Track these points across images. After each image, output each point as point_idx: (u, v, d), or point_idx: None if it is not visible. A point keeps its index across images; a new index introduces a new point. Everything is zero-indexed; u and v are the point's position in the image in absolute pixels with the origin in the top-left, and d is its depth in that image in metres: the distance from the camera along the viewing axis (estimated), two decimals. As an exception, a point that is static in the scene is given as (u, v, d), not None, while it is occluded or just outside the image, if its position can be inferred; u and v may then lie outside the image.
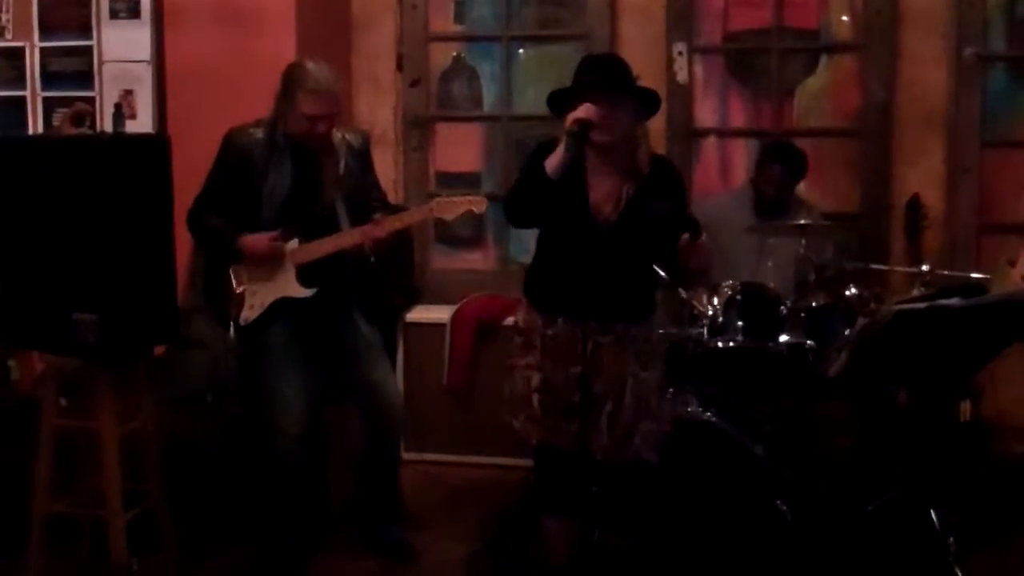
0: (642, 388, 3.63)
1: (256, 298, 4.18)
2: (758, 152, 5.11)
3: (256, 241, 4.11)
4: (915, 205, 4.80)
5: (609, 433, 3.58)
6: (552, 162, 3.40)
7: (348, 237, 4.11)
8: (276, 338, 4.19)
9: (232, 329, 4.23)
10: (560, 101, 3.59)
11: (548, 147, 3.54)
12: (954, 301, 3.47)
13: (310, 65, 4.08)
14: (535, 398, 3.63)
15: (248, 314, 4.19)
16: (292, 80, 4.06)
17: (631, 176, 3.58)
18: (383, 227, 4.09)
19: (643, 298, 3.72)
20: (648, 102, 3.60)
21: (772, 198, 4.94)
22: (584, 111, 3.39)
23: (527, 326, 3.68)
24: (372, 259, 4.13)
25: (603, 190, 3.59)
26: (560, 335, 3.58)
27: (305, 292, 4.15)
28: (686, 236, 3.50)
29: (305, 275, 4.14)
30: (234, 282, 4.19)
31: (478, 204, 4.11)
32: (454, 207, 4.12)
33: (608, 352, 3.58)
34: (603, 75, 3.56)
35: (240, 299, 4.19)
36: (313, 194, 4.15)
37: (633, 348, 3.62)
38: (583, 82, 3.55)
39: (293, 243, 4.13)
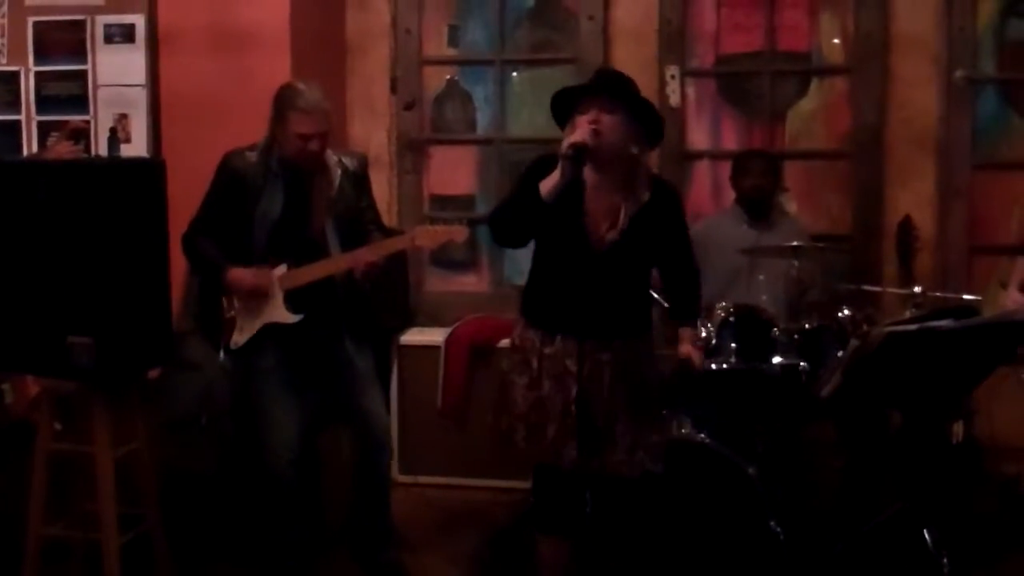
0: (643, 402, 3.64)
1: (246, 323, 4.18)
2: (732, 167, 5.16)
3: (242, 277, 4.12)
4: (907, 227, 4.82)
5: (614, 449, 3.58)
6: (547, 185, 3.40)
7: (334, 263, 4.12)
8: (267, 362, 4.19)
9: (223, 353, 4.24)
10: (561, 106, 3.60)
11: (544, 163, 3.54)
12: (946, 323, 3.49)
13: (299, 85, 4.11)
14: (532, 418, 3.62)
15: (238, 338, 4.19)
16: (282, 102, 4.08)
17: (629, 196, 3.59)
18: (364, 255, 4.10)
19: (640, 314, 3.73)
20: (649, 123, 3.59)
21: (760, 194, 5.00)
22: (579, 134, 3.39)
23: (523, 344, 3.68)
24: (367, 286, 4.15)
25: (600, 209, 3.58)
26: (558, 354, 3.58)
27: (292, 318, 4.14)
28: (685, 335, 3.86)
29: (293, 300, 4.14)
30: (225, 307, 4.20)
31: (459, 234, 4.11)
32: (435, 236, 4.14)
33: (607, 368, 3.59)
34: (604, 81, 3.60)
35: (231, 323, 4.20)
36: (304, 218, 4.16)
37: (632, 363, 3.63)
38: (585, 86, 3.59)
39: (281, 268, 4.13)
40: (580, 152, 3.36)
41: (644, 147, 3.62)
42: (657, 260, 3.73)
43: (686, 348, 3.85)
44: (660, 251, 3.69)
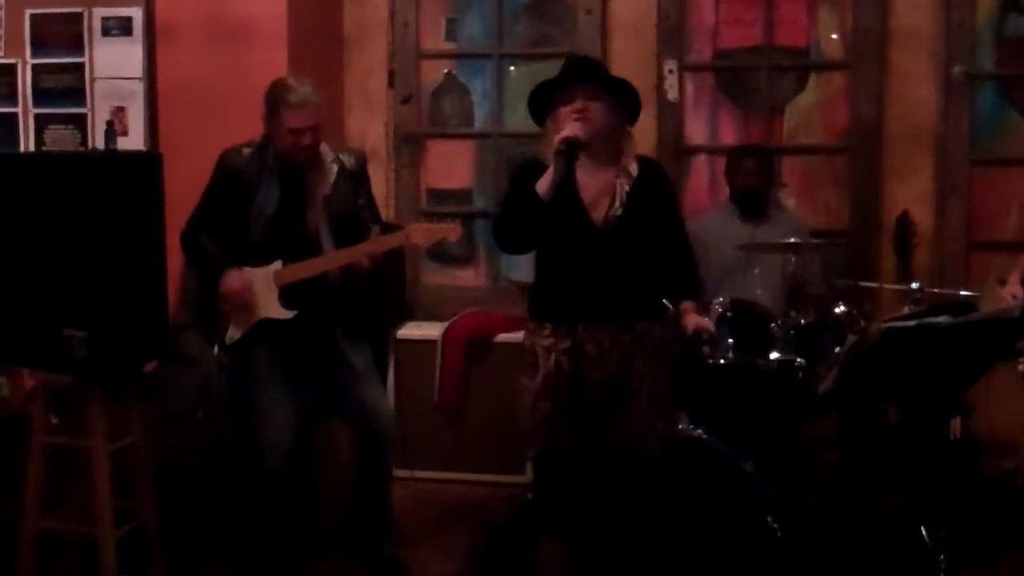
0: (659, 388, 3.64)
1: (241, 318, 4.18)
2: (726, 163, 5.15)
3: (231, 282, 4.11)
4: (904, 222, 4.81)
5: (628, 433, 3.59)
6: (544, 184, 3.42)
7: (329, 260, 4.12)
8: (262, 357, 4.20)
9: (217, 347, 4.23)
10: (539, 102, 3.65)
11: (528, 168, 3.59)
12: (943, 319, 3.48)
13: (289, 81, 4.11)
14: (550, 409, 3.62)
15: (233, 333, 4.19)
16: (273, 98, 4.07)
17: (621, 172, 3.62)
18: (359, 252, 4.09)
19: (653, 296, 3.74)
20: (628, 99, 3.62)
21: (754, 191, 4.98)
22: (570, 129, 3.42)
23: (532, 347, 3.68)
24: (364, 283, 4.15)
25: (595, 190, 3.61)
26: (577, 342, 3.51)
27: (286, 314, 4.14)
28: (688, 307, 3.79)
29: (288, 296, 4.14)
30: (221, 301, 4.19)
31: (453, 232, 4.09)
32: (429, 234, 4.14)
33: (627, 352, 3.59)
34: (578, 69, 3.64)
35: (226, 318, 4.20)
36: (300, 214, 4.16)
37: (650, 347, 3.63)
38: (559, 77, 3.62)
39: (276, 264, 4.13)
40: (572, 147, 3.39)
41: (627, 120, 3.67)
42: (656, 236, 3.72)
43: (693, 319, 3.81)
44: (658, 226, 3.69)
